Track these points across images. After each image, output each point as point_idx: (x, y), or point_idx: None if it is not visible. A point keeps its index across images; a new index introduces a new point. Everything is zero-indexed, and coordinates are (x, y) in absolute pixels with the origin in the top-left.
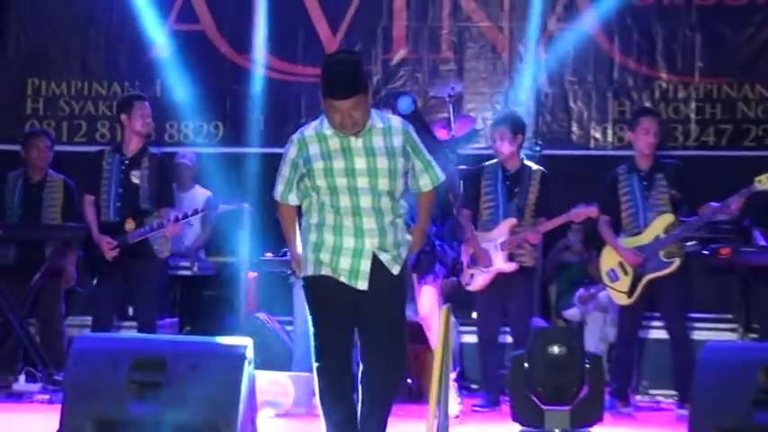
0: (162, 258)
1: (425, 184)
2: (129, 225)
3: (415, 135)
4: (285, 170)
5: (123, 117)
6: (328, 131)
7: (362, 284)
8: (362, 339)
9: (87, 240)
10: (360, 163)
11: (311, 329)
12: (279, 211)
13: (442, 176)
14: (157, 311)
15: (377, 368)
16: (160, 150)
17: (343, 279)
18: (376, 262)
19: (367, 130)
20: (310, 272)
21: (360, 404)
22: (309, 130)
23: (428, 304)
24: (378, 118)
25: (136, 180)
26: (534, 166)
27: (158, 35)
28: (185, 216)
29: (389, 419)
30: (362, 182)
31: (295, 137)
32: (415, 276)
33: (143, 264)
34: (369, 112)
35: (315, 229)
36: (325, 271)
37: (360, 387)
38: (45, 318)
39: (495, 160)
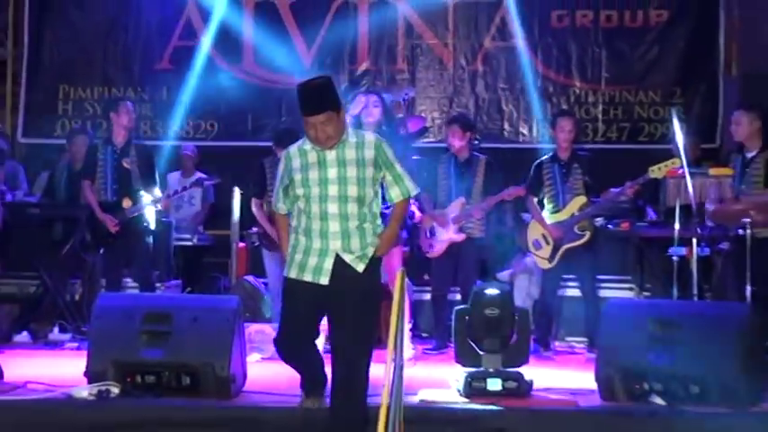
0: (151, 230)
1: (396, 195)
2: (126, 203)
3: (389, 150)
4: (277, 183)
5: (112, 115)
6: (307, 147)
7: (324, 280)
8: (330, 325)
9: (91, 218)
10: (332, 173)
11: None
12: (274, 218)
13: (413, 190)
14: (151, 271)
15: (341, 347)
16: (143, 142)
17: (307, 278)
18: (339, 261)
19: (341, 144)
20: (286, 274)
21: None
22: (293, 147)
23: (396, 265)
24: (353, 134)
25: (127, 165)
26: (481, 156)
27: (165, 49)
28: (176, 192)
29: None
30: (333, 190)
31: (283, 153)
32: None
33: (138, 235)
34: (342, 129)
35: (294, 231)
36: (296, 273)
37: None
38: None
39: (449, 152)
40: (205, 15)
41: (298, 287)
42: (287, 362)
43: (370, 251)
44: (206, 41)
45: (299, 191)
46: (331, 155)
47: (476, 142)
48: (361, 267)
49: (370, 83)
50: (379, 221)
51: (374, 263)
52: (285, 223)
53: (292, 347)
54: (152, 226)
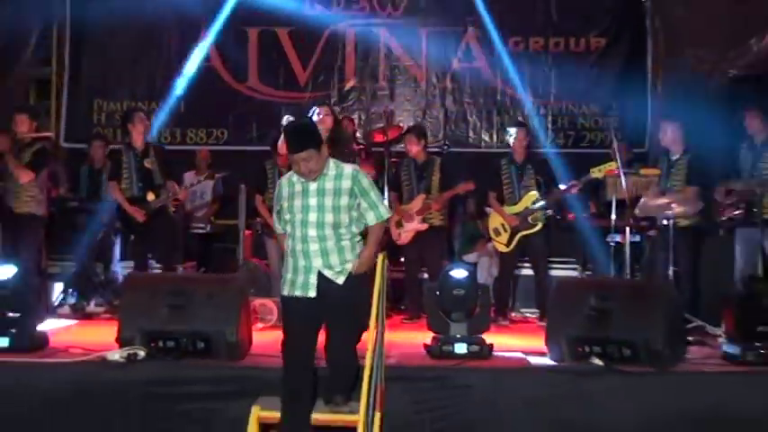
0: (172, 218)
1: (371, 219)
2: (151, 197)
3: (364, 180)
4: (275, 206)
5: (129, 125)
6: (295, 178)
7: (312, 293)
8: (326, 329)
9: (122, 211)
10: (312, 202)
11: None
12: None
13: (386, 215)
14: (173, 254)
15: (333, 346)
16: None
17: (298, 293)
18: (322, 276)
19: (322, 176)
20: (281, 292)
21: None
22: (285, 178)
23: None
24: (333, 166)
25: (149, 165)
26: (437, 158)
27: (182, 69)
28: (192, 185)
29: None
30: (312, 217)
31: (279, 182)
32: None
33: (161, 223)
34: (322, 163)
35: (285, 252)
36: (288, 290)
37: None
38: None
39: (408, 157)
40: (217, 42)
41: (291, 302)
42: (288, 369)
43: (350, 266)
44: (217, 63)
45: (287, 216)
46: (313, 186)
47: (445, 147)
48: (341, 280)
49: (356, 98)
50: (357, 239)
51: (355, 276)
52: (283, 241)
53: (294, 355)
54: (174, 213)
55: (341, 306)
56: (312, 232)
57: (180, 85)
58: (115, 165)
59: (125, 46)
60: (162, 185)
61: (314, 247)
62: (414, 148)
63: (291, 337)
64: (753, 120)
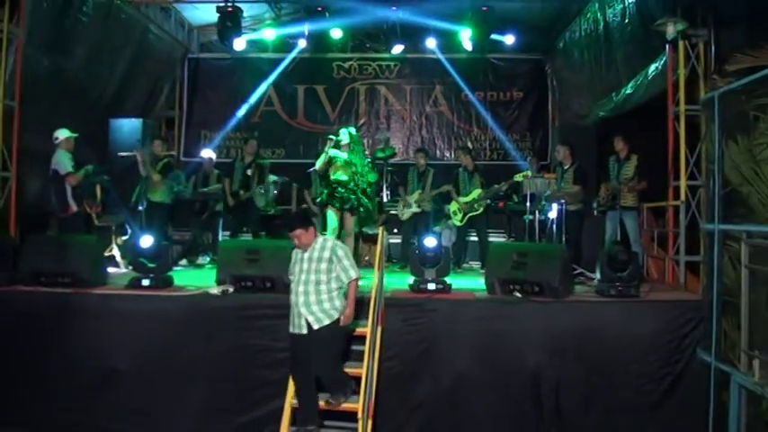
0: (256, 206)
1: (344, 279)
2: (243, 193)
3: (339, 251)
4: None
5: (244, 146)
6: (297, 249)
7: (304, 331)
8: (313, 358)
9: (225, 200)
10: (305, 266)
11: None
12: None
13: (355, 276)
14: (257, 228)
15: (319, 369)
16: (262, 161)
17: (296, 331)
18: (306, 320)
19: (312, 249)
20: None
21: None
22: (294, 251)
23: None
24: (321, 241)
25: (249, 173)
26: (431, 169)
27: (257, 111)
28: (273, 183)
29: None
30: (302, 277)
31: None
32: None
33: (250, 208)
34: (312, 239)
35: (290, 300)
36: (291, 328)
37: None
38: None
39: (414, 166)
40: (279, 93)
41: (293, 337)
42: (295, 382)
43: (326, 319)
44: (278, 105)
45: (291, 276)
46: (306, 255)
47: None
48: (317, 326)
49: (365, 129)
50: (335, 294)
51: (333, 321)
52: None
53: (296, 373)
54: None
55: (322, 341)
56: (302, 288)
57: (254, 121)
58: (230, 170)
59: (221, 95)
60: (255, 186)
61: (303, 298)
62: (421, 161)
63: (293, 362)
64: (619, 142)
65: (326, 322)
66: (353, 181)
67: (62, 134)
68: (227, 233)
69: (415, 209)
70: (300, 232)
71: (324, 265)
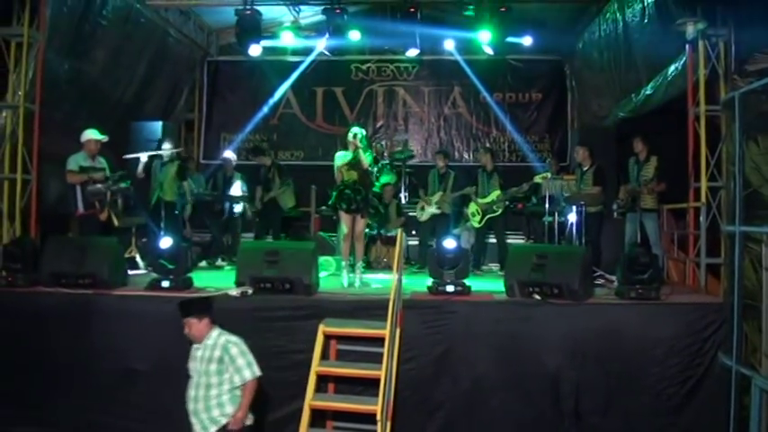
0: (281, 207)
1: (237, 381)
2: (265, 195)
3: (233, 350)
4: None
5: (260, 158)
6: (194, 345)
7: None
8: None
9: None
10: (197, 366)
11: None
12: None
13: (249, 377)
14: (279, 230)
15: None
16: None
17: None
18: (197, 424)
19: (204, 346)
20: None
21: None
22: (192, 345)
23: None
24: (214, 337)
25: (270, 176)
26: (451, 171)
27: (275, 113)
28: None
29: None
30: (195, 379)
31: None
32: None
33: (274, 210)
34: (204, 332)
35: None
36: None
37: None
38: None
39: (435, 168)
40: (298, 95)
41: None
42: None
43: (214, 424)
44: (296, 107)
45: (190, 373)
46: (198, 353)
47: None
48: None
49: (383, 131)
50: (225, 398)
51: (220, 429)
52: None
53: None
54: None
55: None
56: (192, 393)
57: (273, 123)
58: (256, 175)
59: (240, 97)
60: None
61: (191, 406)
62: (441, 163)
63: None
64: (638, 143)
65: (213, 430)
66: (361, 181)
67: (84, 135)
68: (250, 235)
69: (435, 210)
70: (193, 321)
71: (213, 366)
